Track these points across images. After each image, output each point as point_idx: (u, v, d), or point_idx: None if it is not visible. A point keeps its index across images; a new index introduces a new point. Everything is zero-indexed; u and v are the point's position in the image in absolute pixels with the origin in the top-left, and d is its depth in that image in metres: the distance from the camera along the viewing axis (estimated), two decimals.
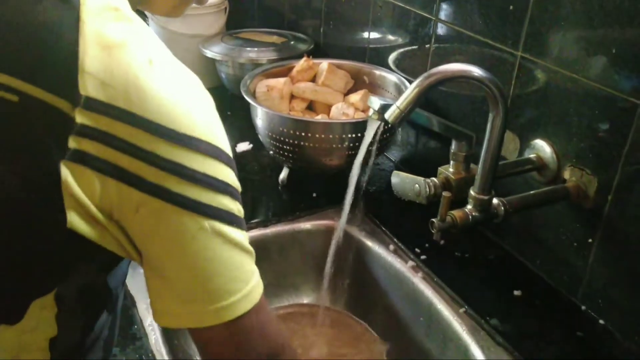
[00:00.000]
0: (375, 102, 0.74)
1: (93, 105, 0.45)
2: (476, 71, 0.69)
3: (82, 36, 0.45)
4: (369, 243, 1.03)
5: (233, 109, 1.45)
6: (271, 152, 1.10)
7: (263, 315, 0.55)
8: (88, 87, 0.45)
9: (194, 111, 0.49)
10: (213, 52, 1.40)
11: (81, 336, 0.57)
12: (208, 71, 1.49)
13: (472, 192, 0.78)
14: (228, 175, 0.51)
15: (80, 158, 0.45)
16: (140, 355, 0.77)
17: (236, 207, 0.52)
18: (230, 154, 0.52)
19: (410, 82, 1.10)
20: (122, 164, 0.46)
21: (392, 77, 1.17)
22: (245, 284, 0.52)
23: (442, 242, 0.99)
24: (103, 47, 0.45)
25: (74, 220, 0.47)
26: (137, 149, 0.46)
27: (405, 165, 1.23)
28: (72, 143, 0.45)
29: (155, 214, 0.48)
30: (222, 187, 0.50)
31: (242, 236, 0.52)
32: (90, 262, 0.52)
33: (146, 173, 0.47)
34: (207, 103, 0.51)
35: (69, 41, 0.45)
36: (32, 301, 0.50)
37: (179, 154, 0.47)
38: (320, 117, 1.08)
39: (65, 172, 0.45)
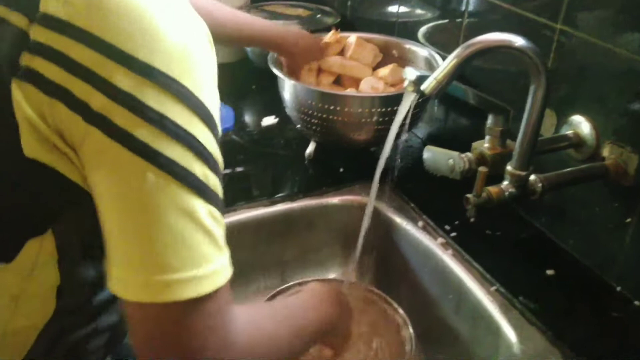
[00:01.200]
0: (412, 73, 0.72)
1: (50, 23, 0.42)
2: (518, 41, 0.67)
3: None
4: (397, 219, 1.01)
5: (258, 82, 1.43)
6: (298, 126, 1.08)
7: (210, 317, 0.45)
8: (48, 4, 0.42)
9: (163, 40, 0.43)
10: None
11: (91, 291, 0.53)
12: None
13: (509, 168, 0.76)
14: (197, 127, 0.44)
15: (31, 77, 0.43)
16: None
17: (201, 170, 0.44)
18: (212, 110, 0.45)
19: (443, 56, 1.08)
20: (72, 87, 0.42)
21: (423, 51, 1.14)
22: (193, 266, 0.43)
23: (472, 219, 0.97)
24: None
25: (31, 146, 0.44)
26: (90, 73, 0.42)
27: (433, 142, 1.19)
28: (24, 60, 0.43)
29: (97, 148, 0.43)
30: (182, 135, 0.43)
31: (201, 208, 0.44)
32: (80, 205, 0.48)
33: (93, 100, 0.42)
34: (187, 36, 0.45)
35: None
36: (27, 240, 0.48)
37: (133, 83, 0.42)
38: (350, 91, 1.06)
39: (17, 92, 0.43)
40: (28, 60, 0.43)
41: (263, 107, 1.34)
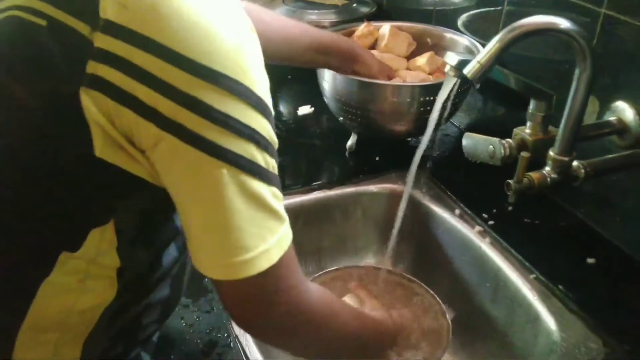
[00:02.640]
0: (453, 58, 0.71)
1: (110, 29, 0.43)
2: (564, 23, 0.66)
3: None
4: (434, 207, 1.01)
5: (293, 72, 1.44)
6: (341, 118, 1.08)
7: (284, 278, 0.52)
8: (107, 10, 0.43)
9: (220, 41, 0.45)
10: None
11: (149, 269, 0.56)
12: None
13: (551, 153, 0.75)
14: (256, 120, 0.47)
15: (98, 84, 0.44)
16: (212, 306, 0.78)
17: (262, 158, 0.48)
18: (266, 100, 0.48)
19: (482, 44, 1.07)
20: (139, 94, 0.44)
21: (461, 39, 1.13)
22: (263, 241, 0.49)
23: (510, 208, 0.96)
24: None
25: (102, 148, 0.46)
26: (153, 78, 0.43)
27: (472, 130, 1.18)
28: (90, 68, 0.44)
29: (170, 152, 0.46)
30: (245, 132, 0.46)
31: (265, 191, 0.48)
32: (138, 195, 0.51)
33: (162, 106, 0.44)
34: (240, 36, 0.47)
35: None
36: (90, 230, 0.50)
37: (197, 88, 0.44)
38: (393, 80, 1.06)
39: (86, 99, 0.44)
40: (93, 68, 0.44)
41: (299, 96, 1.35)
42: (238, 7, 0.49)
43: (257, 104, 0.47)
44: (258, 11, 0.90)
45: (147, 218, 0.54)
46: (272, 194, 0.49)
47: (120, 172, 0.48)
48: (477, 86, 0.63)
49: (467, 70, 0.68)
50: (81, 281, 0.52)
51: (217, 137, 0.45)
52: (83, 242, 0.51)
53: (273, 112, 0.50)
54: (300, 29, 0.97)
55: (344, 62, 0.99)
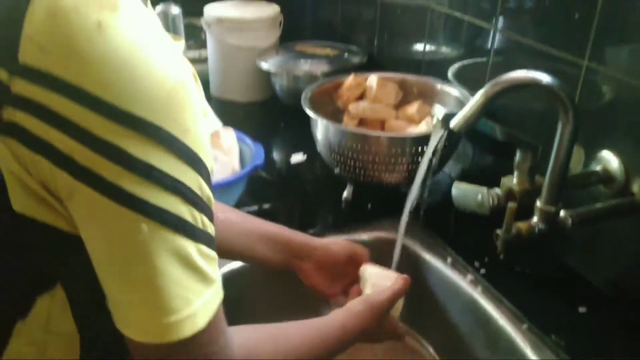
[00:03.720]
0: (440, 111, 0.73)
1: (29, 74, 0.41)
2: (545, 78, 0.68)
3: (32, 4, 0.41)
4: (427, 255, 1.01)
5: (287, 120, 1.46)
6: (336, 170, 1.09)
7: (208, 344, 0.49)
8: (27, 54, 0.41)
9: (147, 85, 0.42)
10: (268, 64, 1.42)
11: (112, 334, 0.51)
12: (263, 83, 1.52)
13: (538, 204, 0.76)
14: (183, 171, 0.44)
15: (14, 131, 0.42)
16: None
17: (189, 213, 0.45)
18: (198, 151, 0.45)
19: (471, 94, 1.09)
20: (54, 141, 0.41)
21: (451, 89, 1.16)
22: (188, 305, 0.46)
23: (501, 256, 0.97)
24: (50, 13, 0.41)
25: (20, 201, 0.44)
26: (70, 124, 0.41)
27: (462, 178, 1.20)
28: (6, 115, 0.41)
29: (86, 204, 0.43)
30: (169, 184, 0.43)
31: (192, 249, 0.45)
32: (82, 254, 0.47)
33: (78, 154, 0.41)
34: (173, 81, 0.43)
35: (18, 11, 0.42)
36: (37, 296, 0.48)
37: (118, 135, 0.41)
38: (389, 132, 1.08)
39: (1, 147, 0.42)
40: (10, 114, 0.42)
41: (292, 144, 1.36)
42: (174, 49, 0.46)
43: (185, 154, 0.44)
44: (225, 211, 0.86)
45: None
46: (198, 252, 0.46)
47: (48, 229, 0.46)
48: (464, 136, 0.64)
49: (453, 124, 0.70)
50: (40, 347, 0.50)
51: (137, 188, 0.42)
52: (31, 309, 0.48)
53: (210, 165, 0.48)
54: (254, 223, 0.87)
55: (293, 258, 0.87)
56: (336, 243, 0.89)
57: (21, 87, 0.41)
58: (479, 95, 0.69)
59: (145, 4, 0.54)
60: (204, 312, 0.47)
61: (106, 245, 0.44)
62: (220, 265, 0.51)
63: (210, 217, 0.48)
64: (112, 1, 0.43)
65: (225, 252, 0.81)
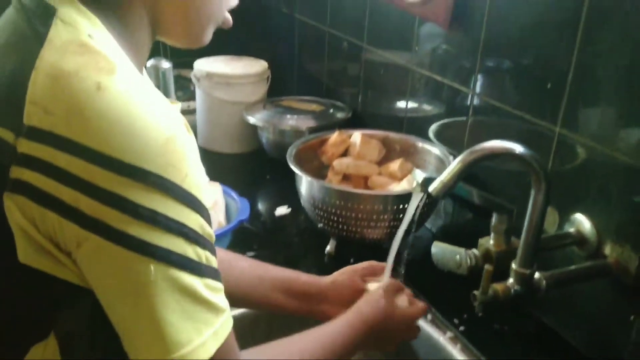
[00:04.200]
0: (419, 175, 0.76)
1: (35, 134, 0.44)
2: (518, 149, 0.72)
3: (35, 70, 0.46)
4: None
5: (272, 173, 1.49)
6: (320, 225, 1.11)
7: None
8: (32, 117, 0.45)
9: (146, 138, 0.45)
10: (255, 118, 1.46)
11: None
12: (250, 136, 1.55)
13: (514, 266, 0.79)
14: (184, 214, 0.47)
15: (21, 188, 0.45)
16: None
17: (193, 251, 0.48)
18: (196, 193, 0.49)
19: (452, 154, 1.13)
20: (62, 195, 0.44)
21: (432, 148, 1.20)
22: (199, 335, 0.49)
23: (480, 314, 0.99)
24: (53, 77, 0.45)
25: (26, 253, 0.46)
26: (77, 180, 0.44)
27: (444, 234, 1.23)
28: (14, 173, 0.45)
29: (95, 252, 0.46)
30: (173, 227, 0.47)
31: (198, 283, 0.48)
32: (78, 305, 0.50)
33: (85, 206, 0.44)
34: (169, 131, 0.47)
35: (22, 76, 0.46)
36: (30, 346, 0.50)
37: (122, 186, 0.44)
38: (366, 189, 1.11)
39: (9, 204, 0.45)
40: (17, 172, 0.45)
41: (276, 196, 1.39)
42: (167, 104, 0.50)
43: (185, 198, 0.47)
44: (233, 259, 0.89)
45: (93, 328, 0.52)
46: (205, 286, 0.49)
47: (50, 279, 0.48)
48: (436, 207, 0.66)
49: (432, 189, 0.73)
50: None
51: (143, 233, 0.45)
52: (23, 358, 0.50)
53: (207, 204, 0.51)
54: (264, 269, 0.89)
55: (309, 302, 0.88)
56: (342, 274, 0.90)
57: (27, 146, 0.45)
58: (456, 162, 0.72)
59: (141, 71, 0.58)
60: (214, 340, 0.50)
61: (117, 288, 0.47)
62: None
63: (213, 252, 0.51)
64: (109, 65, 0.47)
65: (239, 301, 0.84)
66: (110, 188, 0.44)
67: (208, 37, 0.62)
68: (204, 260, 0.49)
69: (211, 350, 0.49)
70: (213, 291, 0.50)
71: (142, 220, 0.45)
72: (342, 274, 0.90)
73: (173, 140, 0.47)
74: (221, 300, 0.52)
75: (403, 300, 0.86)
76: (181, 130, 0.49)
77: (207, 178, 1.11)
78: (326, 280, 0.89)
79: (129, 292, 0.47)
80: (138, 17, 0.55)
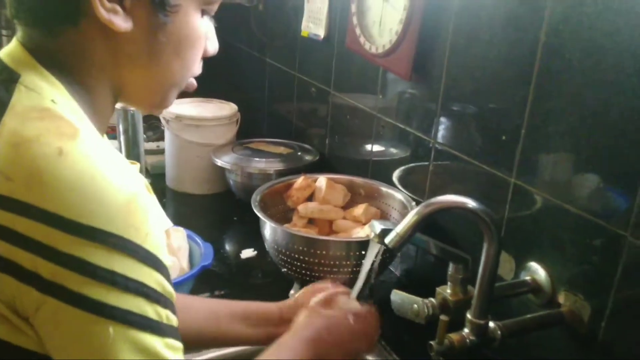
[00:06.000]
0: (377, 226, 0.78)
1: None
2: (471, 203, 0.74)
3: None
4: (369, 358, 1.03)
5: (240, 214, 1.50)
6: (284, 270, 1.12)
7: None
8: None
9: (105, 200, 0.46)
10: (223, 161, 1.47)
11: None
12: (218, 177, 1.56)
13: (468, 316, 0.80)
14: (144, 273, 0.48)
15: None
16: None
17: (154, 310, 0.48)
18: (157, 252, 0.49)
19: (415, 200, 1.16)
20: (20, 260, 0.44)
21: (396, 194, 1.23)
22: None
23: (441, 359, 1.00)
24: (13, 144, 0.46)
25: None
26: (36, 244, 0.44)
27: (407, 277, 1.25)
28: None
29: (54, 315, 0.45)
30: (132, 287, 0.47)
31: (158, 343, 0.48)
32: None
33: (43, 270, 0.44)
34: (128, 193, 0.47)
35: None
36: None
37: (81, 248, 0.44)
38: (334, 236, 1.13)
39: None
40: None
41: (243, 239, 1.39)
42: (127, 165, 0.51)
43: (145, 258, 0.48)
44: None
45: None
46: (165, 345, 0.49)
47: (7, 347, 0.48)
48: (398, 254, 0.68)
49: (388, 241, 0.74)
50: None
51: (103, 294, 0.45)
52: None
53: (168, 263, 0.51)
54: (217, 304, 0.89)
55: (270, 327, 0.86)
56: (304, 294, 0.89)
57: None
58: (412, 214, 0.74)
59: (102, 135, 0.59)
60: None
61: (76, 351, 0.46)
62: None
63: (174, 311, 0.51)
64: (72, 130, 0.48)
65: (195, 341, 0.82)
66: (69, 251, 0.44)
67: (170, 101, 0.63)
68: (164, 320, 0.50)
69: None
70: (173, 350, 0.50)
71: (101, 281, 0.45)
72: (303, 295, 0.89)
73: (134, 201, 0.48)
74: (179, 357, 0.51)
75: (352, 302, 0.84)
76: (142, 191, 0.49)
77: (171, 223, 1.12)
78: (287, 302, 0.88)
79: (88, 354, 0.46)
80: (100, 83, 0.57)
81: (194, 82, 0.65)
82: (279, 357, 0.71)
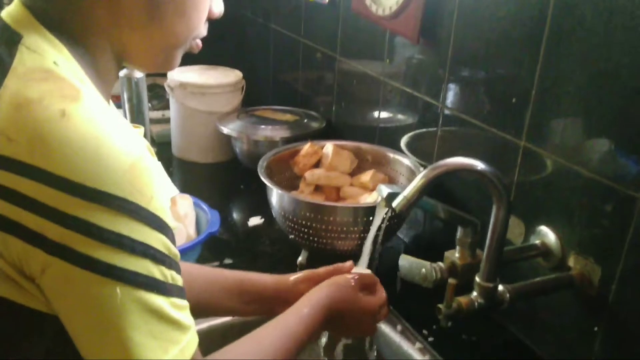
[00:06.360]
0: (384, 190, 0.77)
1: None
2: (480, 165, 0.72)
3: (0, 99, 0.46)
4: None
5: (246, 183, 1.49)
6: (291, 236, 1.11)
7: None
8: None
9: (109, 163, 0.46)
10: (229, 128, 1.46)
11: None
12: (224, 146, 1.55)
13: (477, 280, 0.80)
14: (150, 235, 0.48)
15: None
16: None
17: (159, 271, 0.49)
18: (161, 215, 0.49)
19: (423, 166, 1.14)
20: (26, 222, 0.44)
21: (403, 159, 1.21)
22: (165, 354, 0.49)
23: (449, 324, 0.99)
24: (15, 105, 0.46)
25: None
26: (41, 206, 0.44)
27: (415, 244, 1.25)
28: None
29: (61, 276, 0.46)
30: (139, 249, 0.47)
31: (165, 303, 0.49)
32: (41, 331, 0.50)
33: (49, 231, 0.44)
34: (132, 156, 0.48)
35: None
36: None
37: (87, 211, 0.45)
38: (342, 202, 1.12)
39: None
40: None
41: (250, 207, 1.39)
42: (131, 130, 0.50)
43: (150, 220, 0.48)
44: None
45: (54, 354, 0.52)
46: (172, 305, 0.50)
47: (15, 308, 0.48)
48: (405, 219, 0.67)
49: (395, 204, 0.73)
50: None
51: (109, 256, 0.46)
52: None
53: (172, 224, 0.51)
54: (214, 273, 0.88)
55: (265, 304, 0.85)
56: (304, 281, 0.86)
57: None
58: (420, 177, 0.73)
59: (108, 98, 0.58)
60: (180, 357, 0.50)
61: (83, 312, 0.47)
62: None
63: (178, 271, 0.52)
64: (74, 92, 0.48)
65: (191, 309, 0.82)
66: (74, 213, 0.44)
67: (176, 62, 0.62)
68: (169, 280, 0.50)
69: None
70: (179, 309, 0.51)
71: (108, 244, 0.45)
72: (305, 282, 0.86)
73: (138, 165, 0.48)
74: (187, 317, 0.52)
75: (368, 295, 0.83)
76: (145, 155, 0.49)
77: (177, 190, 1.11)
78: (286, 282, 0.86)
79: (95, 315, 0.47)
80: (102, 45, 0.56)
81: (199, 42, 0.64)
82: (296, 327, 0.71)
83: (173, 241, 0.51)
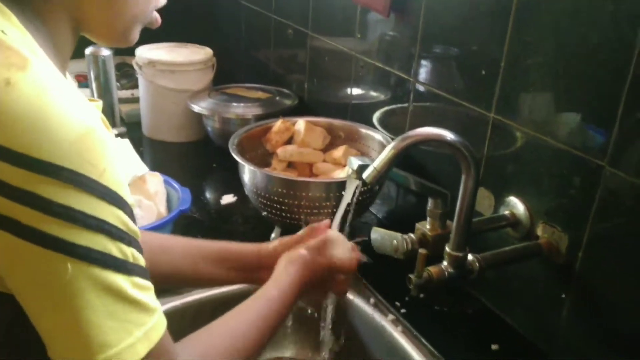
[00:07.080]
0: (354, 163, 0.77)
1: None
2: (449, 135, 0.73)
3: None
4: (350, 296, 1.04)
5: (219, 161, 1.48)
6: (264, 213, 1.11)
7: None
8: None
9: (59, 134, 0.44)
10: (200, 107, 1.44)
11: None
12: (195, 124, 1.53)
13: (447, 249, 0.81)
14: (105, 210, 0.46)
15: None
16: None
17: (117, 248, 0.47)
18: (117, 189, 0.47)
19: (392, 138, 1.15)
20: None
21: (375, 134, 1.21)
22: (128, 335, 0.47)
23: (421, 295, 1.01)
24: None
25: None
26: None
27: (387, 218, 1.25)
28: None
29: (10, 251, 0.44)
30: (93, 224, 0.45)
31: (124, 282, 0.47)
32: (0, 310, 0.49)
33: None
34: (81, 125, 0.46)
35: None
36: None
37: (33, 183, 0.43)
38: (313, 178, 1.12)
39: None
40: None
41: (223, 185, 1.38)
42: (81, 97, 0.48)
43: (104, 194, 0.46)
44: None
45: (16, 335, 0.51)
46: (133, 285, 0.48)
47: None
48: (376, 188, 0.67)
49: (365, 175, 0.74)
50: None
51: (60, 231, 0.44)
52: None
53: (130, 200, 0.50)
54: (194, 243, 0.86)
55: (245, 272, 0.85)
56: (283, 245, 0.86)
57: None
58: (389, 148, 0.73)
59: (64, 68, 0.56)
60: (145, 340, 0.48)
61: (35, 288, 0.45)
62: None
63: (139, 250, 0.50)
64: (22, 61, 0.45)
65: (173, 281, 0.82)
66: (20, 185, 0.43)
67: (135, 36, 0.60)
68: (130, 258, 0.48)
69: (141, 352, 0.48)
70: (142, 290, 0.49)
71: (57, 217, 0.44)
72: (285, 246, 0.86)
73: (88, 136, 0.46)
74: (151, 299, 0.50)
75: (338, 251, 0.82)
76: (97, 126, 0.47)
77: (147, 169, 1.10)
78: (267, 248, 0.85)
79: (48, 292, 0.45)
80: (57, 14, 0.54)
81: (158, 18, 0.62)
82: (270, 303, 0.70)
83: (132, 218, 0.49)
